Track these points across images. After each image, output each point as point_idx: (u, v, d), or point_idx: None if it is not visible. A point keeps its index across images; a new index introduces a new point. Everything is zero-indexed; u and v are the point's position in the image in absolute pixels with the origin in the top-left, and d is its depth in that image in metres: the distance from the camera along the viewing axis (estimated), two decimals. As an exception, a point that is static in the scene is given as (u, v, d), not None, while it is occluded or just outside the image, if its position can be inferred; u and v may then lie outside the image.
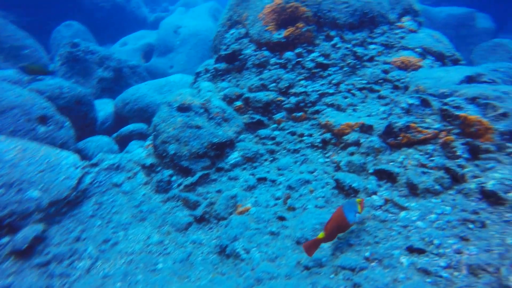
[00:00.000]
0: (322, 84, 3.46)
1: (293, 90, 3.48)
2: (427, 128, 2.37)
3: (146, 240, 2.77)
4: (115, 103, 6.13)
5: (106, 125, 5.90)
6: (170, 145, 3.33)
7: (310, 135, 3.19)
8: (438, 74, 3.06)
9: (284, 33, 3.63)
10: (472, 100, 2.36)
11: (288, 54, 3.61)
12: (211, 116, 3.48)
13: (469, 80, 2.86)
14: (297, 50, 3.61)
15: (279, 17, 3.68)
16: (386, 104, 3.15)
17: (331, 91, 3.40)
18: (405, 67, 3.47)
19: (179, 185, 3.23)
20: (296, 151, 3.17)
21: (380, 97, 3.26)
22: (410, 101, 2.54)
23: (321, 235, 1.89)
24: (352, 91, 3.38)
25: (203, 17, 10.67)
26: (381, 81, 3.40)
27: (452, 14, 9.25)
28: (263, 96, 3.49)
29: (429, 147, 2.30)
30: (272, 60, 3.66)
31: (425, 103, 2.52)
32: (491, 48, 8.53)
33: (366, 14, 3.74)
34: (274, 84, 3.54)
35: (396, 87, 3.29)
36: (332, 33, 3.65)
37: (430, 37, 3.89)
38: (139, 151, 3.74)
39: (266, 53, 3.69)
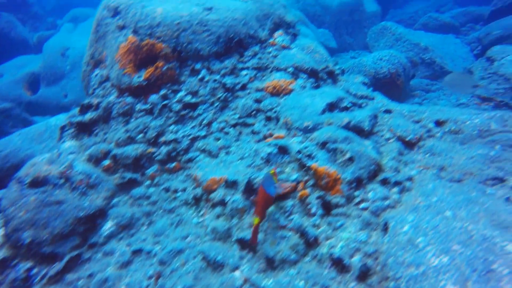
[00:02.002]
0: (193, 127, 3.18)
1: (163, 139, 3.15)
2: (285, 180, 2.24)
3: None
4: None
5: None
6: (25, 233, 2.81)
7: (184, 190, 2.92)
8: (304, 102, 2.97)
9: (144, 75, 3.25)
10: (323, 145, 2.28)
11: (153, 98, 3.25)
12: (73, 186, 3.01)
13: (331, 107, 2.81)
14: (162, 92, 3.27)
15: (137, 57, 3.28)
16: (259, 141, 2.99)
17: (202, 133, 3.15)
18: (277, 92, 3.35)
19: (43, 277, 2.75)
20: (171, 211, 2.88)
21: (254, 133, 3.10)
22: (268, 150, 2.39)
23: (256, 220, 1.93)
24: (224, 130, 3.17)
25: (92, 33, 9.63)
26: (254, 112, 3.24)
27: (343, 1, 9.60)
28: (132, 150, 3.11)
29: (289, 203, 2.18)
30: (137, 107, 3.27)
31: (282, 151, 2.40)
32: (380, 31, 9.07)
33: (232, 39, 3.52)
34: (141, 135, 3.17)
35: (268, 119, 3.15)
36: (197, 66, 3.37)
37: (302, 52, 3.82)
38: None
39: (129, 99, 3.28)
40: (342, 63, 7.58)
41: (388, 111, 3.09)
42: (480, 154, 2.40)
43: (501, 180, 2.17)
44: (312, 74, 3.62)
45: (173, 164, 3.07)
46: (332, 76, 3.82)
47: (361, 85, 3.84)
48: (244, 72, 3.52)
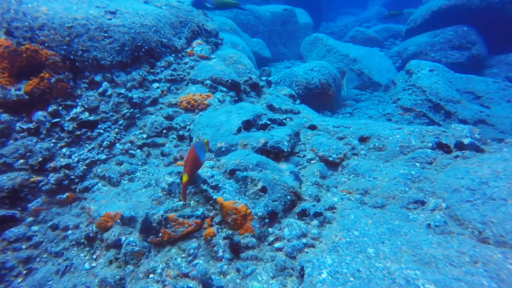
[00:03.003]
0: (91, 149, 2.69)
1: (52, 164, 2.60)
2: (189, 216, 1.90)
3: None
4: None
5: None
6: None
7: (77, 227, 2.41)
8: (219, 119, 2.67)
9: (25, 87, 2.67)
10: (231, 174, 2.00)
11: (39, 115, 2.68)
12: None
13: (247, 125, 2.56)
14: (51, 108, 2.71)
15: (14, 65, 2.69)
16: (169, 164, 2.62)
17: (102, 157, 2.67)
18: (192, 108, 3.01)
19: None
20: (58, 254, 2.35)
21: (163, 155, 2.71)
22: (169, 179, 2.02)
23: (184, 177, 1.82)
24: (130, 152, 2.73)
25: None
26: (164, 131, 2.85)
27: (275, 12, 9.68)
28: (7, 180, 2.50)
29: (192, 244, 1.83)
30: (17, 126, 2.67)
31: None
32: (312, 42, 9.33)
33: (140, 48, 3.10)
34: (22, 161, 2.57)
35: (181, 138, 2.79)
36: (97, 78, 2.88)
37: (222, 63, 3.55)
38: None
39: (5, 116, 2.67)
40: (275, 72, 7.53)
41: (312, 127, 2.94)
42: (402, 174, 2.34)
43: (422, 203, 2.11)
44: (233, 87, 3.36)
45: (65, 195, 2.54)
46: (256, 89, 3.61)
47: (287, 98, 3.69)
48: (155, 85, 3.13)
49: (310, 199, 2.10)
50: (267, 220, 1.80)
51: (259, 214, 1.80)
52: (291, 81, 6.33)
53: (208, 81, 3.22)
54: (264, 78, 4.17)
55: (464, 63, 8.14)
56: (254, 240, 1.74)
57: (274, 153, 2.27)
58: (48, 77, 2.69)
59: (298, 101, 3.92)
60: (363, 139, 2.81)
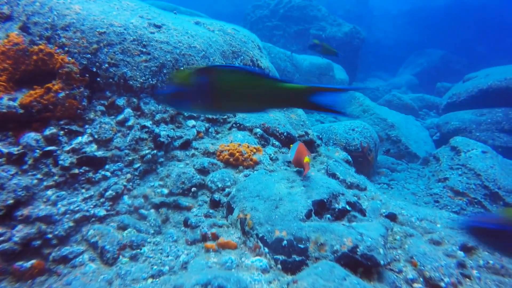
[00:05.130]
0: (87, 198, 1.88)
1: (25, 212, 1.78)
2: None
3: None
4: None
5: None
6: None
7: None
8: (277, 189, 1.86)
9: (23, 98, 1.95)
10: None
11: (29, 138, 1.92)
12: None
13: (319, 208, 1.74)
14: (49, 131, 1.96)
15: (18, 68, 1.99)
16: (193, 243, 1.77)
17: (100, 212, 1.85)
18: (235, 162, 2.23)
19: None
20: None
21: (187, 225, 1.88)
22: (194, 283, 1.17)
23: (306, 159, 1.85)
24: (141, 211, 1.91)
25: None
26: (194, 189, 2.05)
27: (314, 63, 9.33)
28: (-45, 226, 1.67)
29: None
30: (-4, 147, 1.90)
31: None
32: (348, 99, 8.83)
33: (183, 73, 2.41)
34: (-15, 200, 1.77)
35: (215, 204, 1.97)
36: (120, 101, 2.16)
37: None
38: None
39: (-17, 133, 1.91)
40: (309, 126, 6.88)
41: (392, 218, 2.11)
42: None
43: None
44: (288, 142, 2.61)
45: (30, 263, 1.69)
46: (311, 148, 2.85)
47: (345, 164, 2.90)
48: (190, 123, 2.39)
49: None
50: None
51: None
52: (329, 138, 5.64)
53: (258, 130, 2.47)
54: (315, 133, 3.43)
55: (513, 148, 7.44)
56: None
57: (365, 267, 1.43)
58: (57, 89, 1.98)
59: (353, 169, 3.13)
60: (467, 249, 1.96)
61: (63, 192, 1.85)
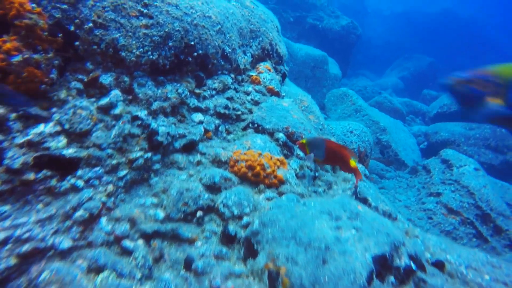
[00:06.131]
0: (44, 220, 1.26)
1: None
2: None
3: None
4: None
5: None
6: None
7: None
8: (320, 231, 1.35)
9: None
10: None
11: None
12: None
13: (380, 266, 1.25)
14: (-9, 111, 1.30)
15: None
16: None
17: (64, 244, 1.24)
18: (255, 178, 1.68)
19: None
20: None
21: (188, 268, 1.33)
22: None
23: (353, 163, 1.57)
24: (124, 244, 1.33)
25: None
26: (200, 212, 1.49)
27: (309, 54, 8.79)
28: None
29: None
30: None
31: None
32: (340, 96, 8.50)
33: (192, 49, 1.80)
34: None
35: (230, 240, 1.43)
36: (106, 78, 1.52)
37: (298, 109, 2.30)
38: None
39: None
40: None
41: (440, 267, 1.68)
42: None
43: None
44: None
45: None
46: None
47: (368, 182, 2.45)
48: (196, 117, 1.80)
49: None
50: None
51: None
52: (327, 138, 5.22)
53: (281, 135, 1.93)
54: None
55: (496, 166, 7.52)
56: None
57: None
58: (9, 49, 1.31)
59: (376, 186, 2.69)
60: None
61: (6, 208, 1.23)
